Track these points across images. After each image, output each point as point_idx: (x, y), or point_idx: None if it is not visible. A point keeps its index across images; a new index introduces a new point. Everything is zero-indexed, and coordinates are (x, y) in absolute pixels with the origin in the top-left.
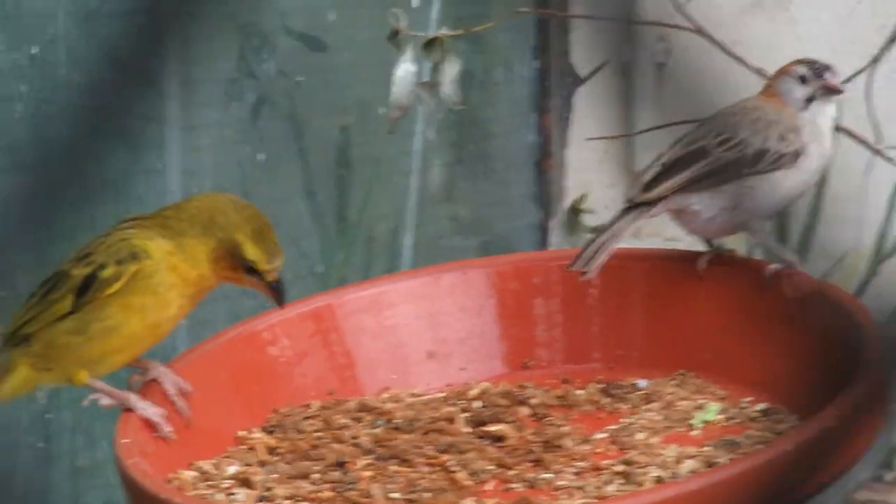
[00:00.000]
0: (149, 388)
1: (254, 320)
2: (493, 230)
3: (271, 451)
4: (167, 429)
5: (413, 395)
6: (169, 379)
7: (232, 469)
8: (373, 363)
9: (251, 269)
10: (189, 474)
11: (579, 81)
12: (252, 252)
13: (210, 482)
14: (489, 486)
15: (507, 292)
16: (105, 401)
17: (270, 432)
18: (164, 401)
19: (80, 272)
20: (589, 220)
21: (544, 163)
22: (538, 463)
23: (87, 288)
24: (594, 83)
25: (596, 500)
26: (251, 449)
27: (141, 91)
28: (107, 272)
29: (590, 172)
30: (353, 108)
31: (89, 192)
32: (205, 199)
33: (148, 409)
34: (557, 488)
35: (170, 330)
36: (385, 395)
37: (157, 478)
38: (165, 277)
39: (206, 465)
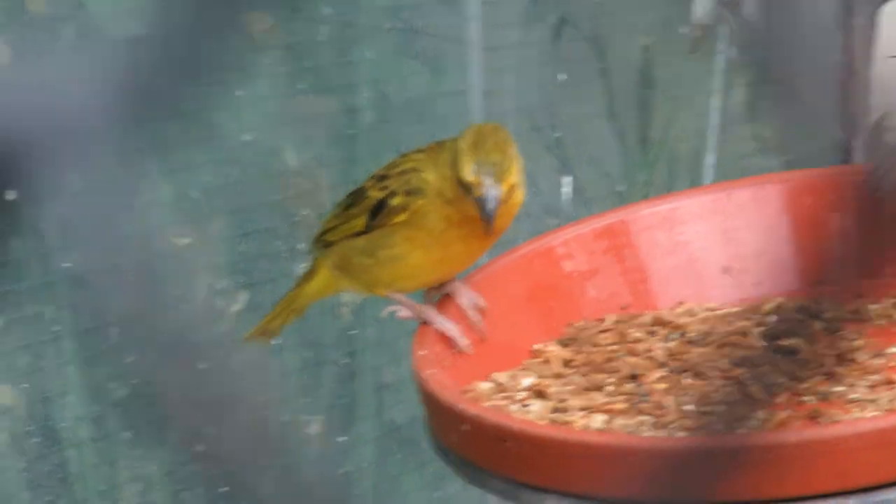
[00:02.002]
0: (445, 302)
1: (548, 236)
2: (795, 150)
3: (566, 363)
4: (463, 342)
5: (707, 309)
6: (464, 294)
7: (527, 381)
8: (666, 278)
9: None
10: (485, 386)
11: None
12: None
13: (505, 393)
14: (781, 399)
15: (801, 208)
16: (403, 312)
17: (565, 345)
18: (460, 315)
19: (375, 194)
20: (893, 139)
21: (848, 82)
22: (831, 376)
23: (379, 212)
24: None
25: (889, 413)
26: (546, 361)
27: (443, 12)
28: (395, 200)
29: (894, 91)
30: (654, 27)
31: (393, 113)
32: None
33: (445, 323)
34: (850, 401)
35: (463, 268)
36: (679, 310)
37: (454, 389)
38: (435, 217)
39: (502, 377)
